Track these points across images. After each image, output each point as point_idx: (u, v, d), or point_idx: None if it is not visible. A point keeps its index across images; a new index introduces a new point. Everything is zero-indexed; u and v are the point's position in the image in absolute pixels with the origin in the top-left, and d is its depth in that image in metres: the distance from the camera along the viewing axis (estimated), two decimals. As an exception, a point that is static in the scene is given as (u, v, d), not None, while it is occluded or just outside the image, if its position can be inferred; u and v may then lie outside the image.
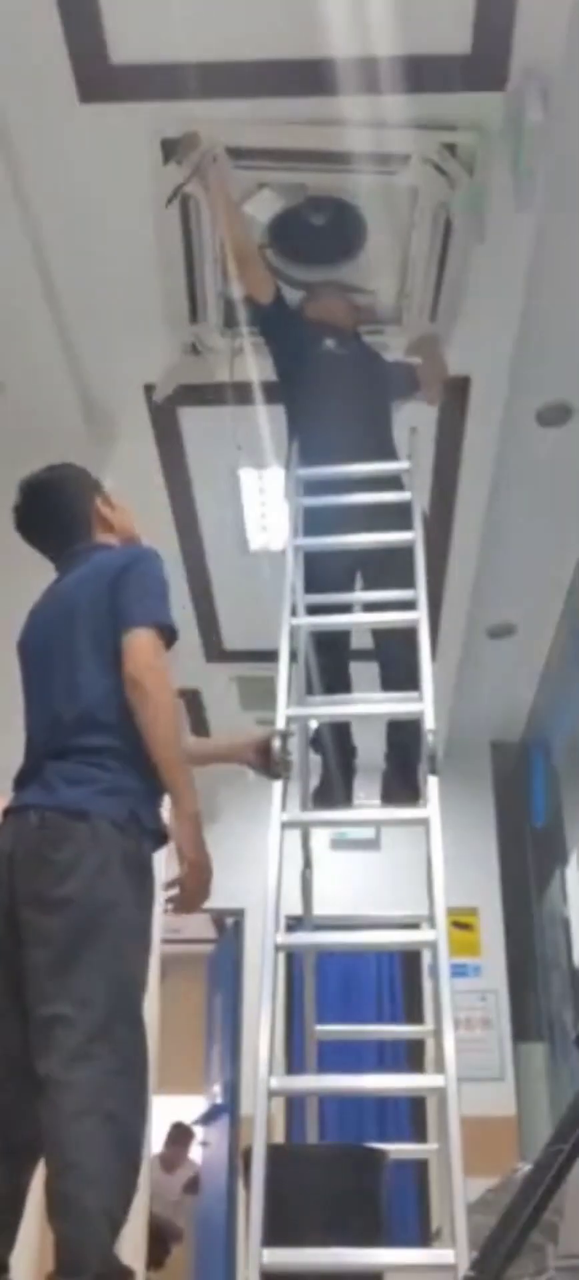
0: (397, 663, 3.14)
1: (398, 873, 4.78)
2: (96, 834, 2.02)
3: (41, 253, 3.48)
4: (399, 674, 3.10)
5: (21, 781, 2.19)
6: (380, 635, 3.26)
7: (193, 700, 5.99)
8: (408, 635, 2.94)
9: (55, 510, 2.45)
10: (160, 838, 2.17)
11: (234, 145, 3.14)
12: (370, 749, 3.37)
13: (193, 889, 2.10)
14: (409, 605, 2.97)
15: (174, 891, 2.12)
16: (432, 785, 2.56)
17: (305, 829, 3.37)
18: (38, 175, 3.25)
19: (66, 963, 1.93)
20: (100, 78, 2.96)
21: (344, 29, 2.79)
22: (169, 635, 2.23)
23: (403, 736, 3.18)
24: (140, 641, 2.15)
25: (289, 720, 2.77)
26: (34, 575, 2.45)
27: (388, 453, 3.43)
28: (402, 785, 3.14)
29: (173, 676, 2.20)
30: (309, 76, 2.93)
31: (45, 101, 3.03)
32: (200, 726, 6.37)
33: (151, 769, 2.12)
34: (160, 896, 2.22)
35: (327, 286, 3.61)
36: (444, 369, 3.73)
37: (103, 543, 2.43)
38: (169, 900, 2.14)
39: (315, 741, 3.41)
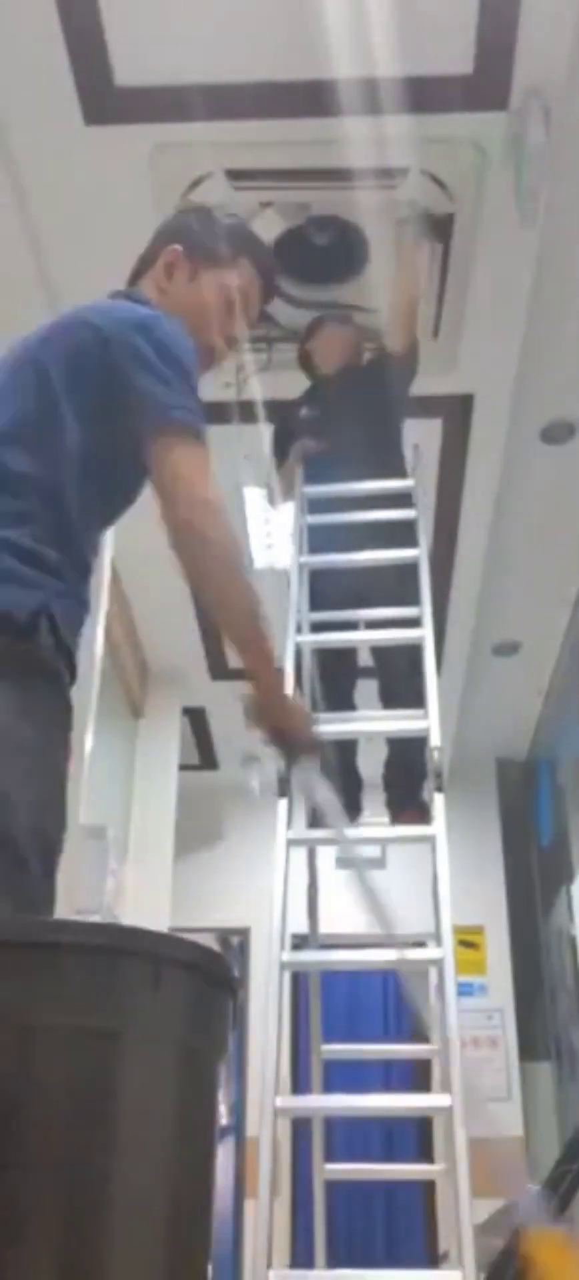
0: (398, 679, 3.13)
1: (404, 891, 4.75)
2: None
3: (47, 273, 3.49)
4: (400, 690, 3.09)
5: None
6: (381, 652, 3.25)
7: (198, 718, 5.99)
8: (410, 652, 2.94)
9: None
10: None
11: (237, 167, 3.15)
12: (375, 768, 3.37)
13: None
14: (414, 622, 2.97)
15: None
16: (438, 803, 2.56)
17: (311, 847, 3.36)
18: (42, 196, 3.26)
19: None
20: (105, 100, 2.98)
21: (346, 50, 2.80)
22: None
23: (407, 752, 3.17)
24: (184, 455, 1.55)
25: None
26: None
27: (394, 475, 3.40)
28: (410, 803, 3.12)
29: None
30: (312, 98, 2.94)
31: (50, 123, 3.05)
32: (206, 745, 6.36)
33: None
34: None
35: (324, 322, 3.58)
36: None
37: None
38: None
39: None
